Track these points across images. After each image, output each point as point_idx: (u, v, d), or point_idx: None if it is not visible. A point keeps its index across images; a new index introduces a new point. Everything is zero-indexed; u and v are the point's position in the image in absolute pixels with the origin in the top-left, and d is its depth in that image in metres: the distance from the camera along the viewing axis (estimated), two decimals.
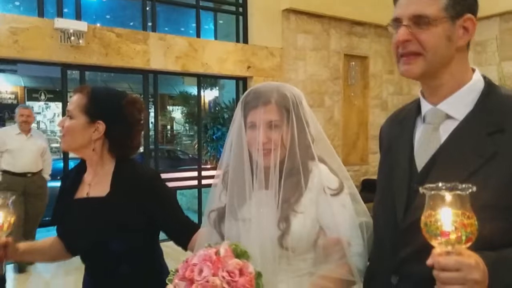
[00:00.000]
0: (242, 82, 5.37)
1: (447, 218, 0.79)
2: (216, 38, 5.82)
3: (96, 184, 1.37)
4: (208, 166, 6.38)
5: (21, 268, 3.99)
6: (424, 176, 0.94)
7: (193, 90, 8.87)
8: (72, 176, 1.44)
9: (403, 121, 1.09)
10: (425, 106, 1.00)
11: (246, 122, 1.22)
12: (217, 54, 5.03)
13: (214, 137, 6.92)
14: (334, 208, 1.17)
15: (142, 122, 1.42)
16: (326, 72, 5.90)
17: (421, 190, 0.82)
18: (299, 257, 1.18)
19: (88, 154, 1.37)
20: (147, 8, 4.85)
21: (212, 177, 5.29)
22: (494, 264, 0.81)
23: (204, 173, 5.21)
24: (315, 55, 5.80)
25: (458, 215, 0.78)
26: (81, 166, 1.44)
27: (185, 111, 9.45)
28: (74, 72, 4.89)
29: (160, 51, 4.74)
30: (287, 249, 1.15)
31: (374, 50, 6.36)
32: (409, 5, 0.96)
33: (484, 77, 0.97)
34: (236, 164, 1.25)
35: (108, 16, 7.67)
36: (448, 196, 0.79)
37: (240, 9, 5.38)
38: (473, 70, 0.98)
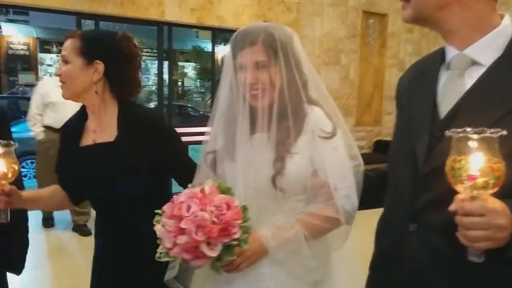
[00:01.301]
0: None
1: (474, 161, 0.77)
2: None
3: (102, 130, 1.37)
4: None
5: None
6: (448, 122, 0.92)
7: (206, 45, 8.72)
8: (73, 125, 1.43)
9: (426, 70, 1.06)
10: (450, 53, 0.97)
11: (236, 63, 1.23)
12: (233, 8, 4.91)
13: None
14: (326, 151, 1.20)
15: (139, 57, 1.39)
16: (343, 29, 5.75)
17: (447, 133, 0.81)
18: (293, 197, 1.23)
19: (90, 99, 1.35)
20: None
21: None
22: None
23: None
24: (332, 11, 5.63)
25: (486, 159, 0.77)
26: (81, 115, 1.42)
27: (198, 67, 9.36)
28: (88, 22, 4.82)
29: (175, 2, 4.64)
30: (280, 189, 1.18)
31: (394, 7, 6.13)
32: None
33: None
34: (229, 107, 1.27)
35: None
36: (477, 139, 0.77)
37: None
38: (502, 16, 0.94)
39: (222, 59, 9.88)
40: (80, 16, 4.42)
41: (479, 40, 0.93)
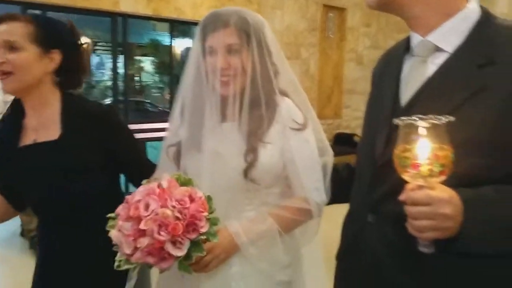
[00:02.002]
0: None
1: (418, 149, 0.75)
2: None
3: (44, 127, 1.21)
4: None
5: None
6: (407, 110, 0.89)
7: (164, 38, 8.48)
8: (7, 124, 1.27)
9: (391, 58, 1.05)
10: (414, 39, 0.95)
11: (205, 47, 1.16)
12: None
13: None
14: (297, 142, 1.16)
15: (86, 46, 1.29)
16: (304, 22, 5.74)
17: (394, 121, 0.79)
18: (265, 190, 1.18)
19: (36, 91, 1.20)
20: None
21: None
22: (469, 201, 0.78)
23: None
24: (293, 4, 5.61)
25: (431, 146, 0.74)
26: (16, 111, 1.25)
27: (156, 61, 9.10)
28: (34, 12, 4.51)
29: None
30: (252, 180, 1.13)
31: (353, 2, 6.21)
32: None
33: (481, 7, 0.91)
34: (195, 94, 1.19)
35: None
36: (420, 126, 0.75)
37: None
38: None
39: (181, 53, 9.68)
40: (26, 5, 4.12)
41: (443, 25, 0.90)
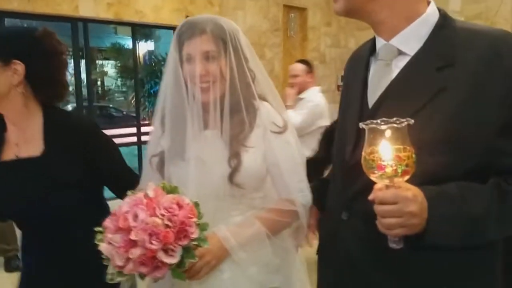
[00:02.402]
0: None
1: (382, 151, 0.80)
2: None
3: (25, 142, 1.20)
4: (147, 122, 6.17)
5: None
6: (374, 113, 0.94)
7: (126, 42, 8.34)
8: None
9: (357, 60, 1.08)
10: (379, 43, 0.99)
11: (182, 55, 1.16)
12: (152, 2, 4.73)
13: (151, 91, 6.65)
14: (278, 145, 1.18)
15: (64, 55, 1.24)
16: (266, 23, 5.81)
17: (360, 125, 0.84)
18: (250, 194, 1.19)
19: (10, 106, 1.18)
20: None
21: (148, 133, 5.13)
22: (433, 198, 0.83)
23: (143, 129, 5.02)
24: (254, 5, 5.66)
25: (394, 148, 0.79)
26: None
27: (118, 65, 8.94)
28: None
29: None
30: (238, 185, 1.14)
31: (313, 2, 6.33)
32: None
33: (439, 10, 0.96)
34: (174, 104, 1.19)
35: None
36: (383, 130, 0.80)
37: None
38: (428, 3, 0.96)
39: (144, 56, 9.56)
40: None
41: (405, 29, 0.94)
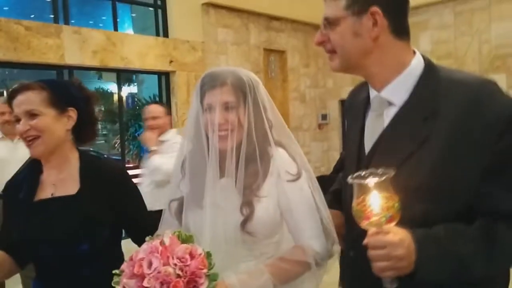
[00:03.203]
0: (164, 77, 5.25)
1: (367, 202, 0.87)
2: (134, 32, 5.60)
3: (62, 182, 1.28)
4: (131, 165, 6.15)
5: None
6: (368, 161, 1.00)
7: (109, 87, 8.42)
8: (23, 180, 1.32)
9: (355, 104, 1.15)
10: (372, 93, 1.06)
11: (203, 105, 1.21)
12: (137, 49, 4.86)
13: (136, 134, 6.67)
14: (291, 191, 1.20)
15: (97, 101, 1.41)
16: (247, 66, 5.99)
17: (348, 180, 0.91)
18: (263, 241, 1.21)
19: (58, 153, 1.28)
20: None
21: (136, 176, 5.12)
22: (421, 240, 0.88)
23: (129, 172, 5.00)
24: (236, 49, 5.86)
25: (378, 199, 0.86)
26: (32, 168, 1.32)
27: (102, 109, 8.99)
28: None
29: (75, 45, 4.46)
30: (250, 234, 1.16)
31: (291, 45, 6.59)
32: (324, 9, 1.04)
33: (425, 59, 1.01)
34: (195, 151, 1.25)
35: (7, 8, 6.97)
36: (366, 183, 0.87)
37: (158, 2, 5.24)
38: (415, 53, 1.01)
39: (127, 99, 9.63)
40: None
41: (393, 81, 0.99)
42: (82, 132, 1.34)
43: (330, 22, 1.00)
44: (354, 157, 1.08)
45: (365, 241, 0.89)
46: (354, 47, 0.98)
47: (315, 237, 1.19)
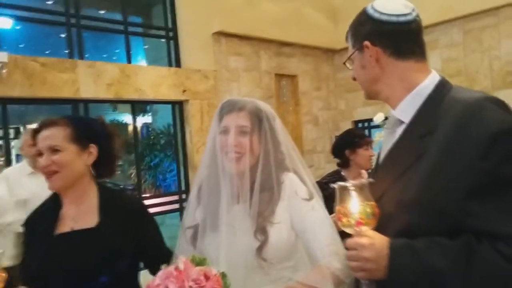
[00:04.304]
0: (178, 106, 5.31)
1: (344, 206, 0.99)
2: (147, 63, 5.73)
3: (81, 216, 1.30)
4: (148, 195, 6.18)
5: None
6: (375, 174, 1.11)
7: (124, 118, 8.57)
8: (44, 214, 1.34)
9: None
10: (390, 113, 1.12)
11: (220, 127, 1.26)
12: (150, 79, 4.95)
13: (151, 164, 6.73)
14: (305, 211, 1.22)
15: (118, 138, 1.45)
16: (259, 91, 6.05)
17: (332, 186, 1.02)
18: (278, 265, 1.21)
19: (77, 187, 1.31)
20: (72, 36, 4.65)
21: (153, 205, 5.15)
22: (396, 248, 0.93)
23: (145, 202, 5.02)
24: (247, 76, 5.93)
25: (353, 204, 0.97)
26: (53, 203, 1.34)
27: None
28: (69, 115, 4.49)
29: (90, 79, 4.56)
30: (265, 259, 1.17)
31: (302, 69, 6.65)
32: None
33: (440, 79, 1.05)
34: (210, 175, 1.27)
35: (23, 45, 7.23)
36: (343, 187, 0.99)
37: (170, 33, 5.37)
38: (430, 73, 1.06)
39: (141, 129, 9.78)
40: None
41: (403, 100, 1.05)
42: (102, 168, 1.37)
43: (349, 60, 1.14)
44: (373, 172, 1.17)
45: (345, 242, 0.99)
46: (364, 77, 1.10)
47: (334, 253, 1.18)
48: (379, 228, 0.98)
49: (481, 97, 0.96)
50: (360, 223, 0.96)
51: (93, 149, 1.33)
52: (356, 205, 0.96)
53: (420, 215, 0.93)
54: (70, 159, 1.28)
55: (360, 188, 0.97)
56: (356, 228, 0.96)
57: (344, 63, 1.16)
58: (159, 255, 1.33)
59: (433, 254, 0.90)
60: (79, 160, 1.30)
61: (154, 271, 1.23)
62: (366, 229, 0.96)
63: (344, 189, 0.98)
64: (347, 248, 0.97)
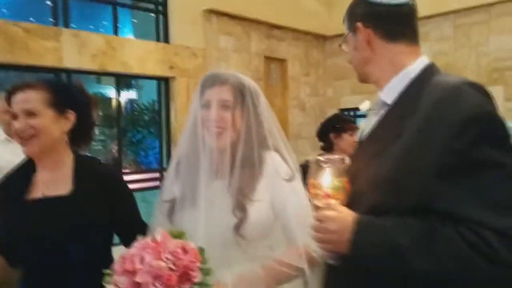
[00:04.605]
0: (164, 82, 5.22)
1: (314, 180, 1.02)
2: (134, 36, 5.59)
3: (54, 183, 1.26)
4: (128, 171, 6.11)
5: None
6: (355, 154, 1.11)
7: (108, 91, 8.41)
8: (15, 178, 1.30)
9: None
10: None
11: (202, 101, 1.23)
12: (137, 53, 4.84)
13: (134, 140, 6.64)
14: (285, 191, 1.21)
15: (96, 106, 1.40)
16: (248, 73, 5.93)
17: (306, 159, 1.04)
18: (256, 243, 1.21)
19: (52, 153, 1.27)
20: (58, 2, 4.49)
21: (133, 182, 5.09)
22: (362, 223, 0.94)
23: (125, 178, 4.95)
24: (237, 57, 5.85)
25: (321, 178, 1.00)
26: (26, 168, 1.30)
27: (99, 114, 8.98)
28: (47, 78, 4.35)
29: (74, 48, 4.43)
30: (242, 237, 1.16)
31: (292, 53, 6.59)
32: None
33: (428, 63, 1.05)
34: (190, 150, 1.24)
35: (5, 10, 6.96)
36: (313, 164, 1.02)
37: (160, 8, 5.24)
38: (420, 57, 1.06)
39: (125, 105, 9.63)
40: None
41: (390, 82, 1.05)
42: (78, 135, 1.32)
43: (345, 42, 1.15)
44: (354, 151, 1.16)
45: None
46: (357, 59, 1.10)
47: (311, 235, 1.19)
48: (353, 205, 1.00)
49: (462, 81, 0.96)
50: (327, 195, 0.98)
51: (71, 115, 1.29)
52: (325, 178, 0.99)
53: (390, 193, 0.94)
54: (47, 124, 1.23)
55: (331, 163, 0.99)
56: (323, 200, 0.98)
57: (340, 46, 1.15)
58: (135, 229, 1.28)
59: (397, 232, 0.90)
60: (56, 126, 1.25)
61: (128, 245, 1.21)
62: (335, 203, 0.98)
63: (317, 163, 1.01)
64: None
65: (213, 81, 1.22)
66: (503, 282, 0.91)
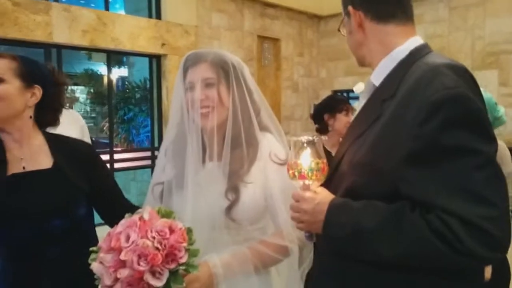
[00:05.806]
0: (155, 60, 5.15)
1: (292, 160, 1.03)
2: (126, 12, 5.48)
3: (32, 157, 1.25)
4: (119, 149, 6.07)
5: None
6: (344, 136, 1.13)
7: (99, 68, 8.27)
8: None
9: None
10: None
11: (185, 84, 1.21)
12: (128, 29, 4.75)
13: (125, 118, 6.58)
14: (276, 175, 1.19)
15: (66, 87, 1.40)
16: (241, 52, 5.92)
17: (288, 139, 1.07)
18: (248, 227, 1.20)
19: (18, 124, 1.25)
20: None
21: (124, 160, 5.06)
22: (335, 205, 0.96)
23: (116, 156, 4.93)
24: (229, 35, 5.78)
25: (298, 157, 1.02)
26: None
27: (91, 91, 8.85)
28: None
29: (64, 23, 4.34)
30: (234, 220, 1.15)
31: (285, 33, 6.52)
32: None
33: (419, 45, 1.02)
34: (179, 133, 1.23)
35: None
36: (293, 144, 1.03)
37: None
38: (411, 37, 1.03)
39: (117, 82, 9.51)
40: None
41: (379, 64, 1.04)
42: (43, 115, 1.31)
43: (342, 26, 1.14)
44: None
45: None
46: (351, 42, 1.10)
47: None
48: (334, 186, 1.02)
49: (444, 63, 0.92)
50: (303, 176, 1.00)
51: (37, 90, 1.26)
52: (302, 159, 1.00)
53: (366, 176, 0.95)
54: (12, 92, 1.21)
55: (309, 144, 1.01)
56: (299, 180, 1.00)
57: (338, 30, 1.15)
58: (115, 204, 1.31)
59: (365, 214, 0.91)
60: (21, 97, 1.23)
61: (112, 223, 1.20)
62: (314, 184, 1.00)
63: (296, 143, 1.02)
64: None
65: (193, 61, 1.20)
66: (470, 271, 0.91)
